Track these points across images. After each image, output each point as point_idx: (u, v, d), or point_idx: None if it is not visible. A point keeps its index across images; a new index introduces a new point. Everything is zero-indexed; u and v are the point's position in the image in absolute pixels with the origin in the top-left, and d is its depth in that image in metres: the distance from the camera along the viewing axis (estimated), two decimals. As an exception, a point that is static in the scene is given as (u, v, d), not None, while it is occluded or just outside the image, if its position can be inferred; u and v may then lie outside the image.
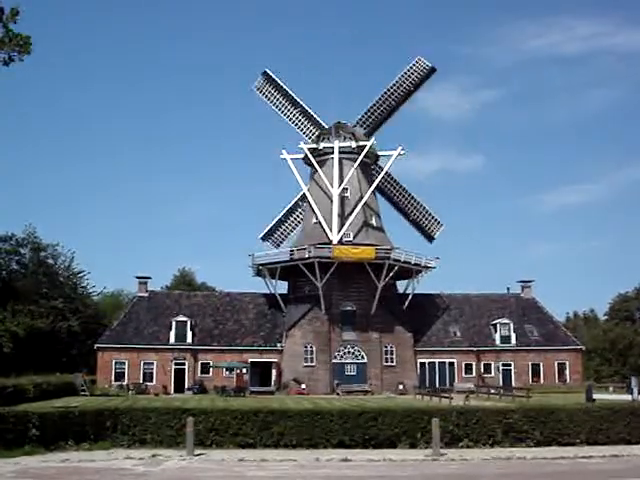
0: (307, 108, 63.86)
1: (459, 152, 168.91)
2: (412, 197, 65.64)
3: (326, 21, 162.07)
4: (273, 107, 64.29)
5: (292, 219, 66.89)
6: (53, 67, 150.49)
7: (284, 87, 64.10)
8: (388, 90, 61.68)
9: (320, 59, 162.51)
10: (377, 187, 64.16)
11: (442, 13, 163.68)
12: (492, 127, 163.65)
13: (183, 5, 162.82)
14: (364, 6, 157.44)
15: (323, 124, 63.47)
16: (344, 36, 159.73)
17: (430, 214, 65.73)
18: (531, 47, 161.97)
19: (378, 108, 62.23)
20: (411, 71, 61.40)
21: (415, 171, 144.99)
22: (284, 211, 66.86)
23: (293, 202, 66.44)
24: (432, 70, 61.48)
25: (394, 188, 65.52)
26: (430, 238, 66.19)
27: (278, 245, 66.54)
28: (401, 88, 61.47)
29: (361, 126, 62.85)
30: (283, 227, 67.11)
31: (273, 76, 64.58)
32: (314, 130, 63.36)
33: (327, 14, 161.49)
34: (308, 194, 62.77)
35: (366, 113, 62.66)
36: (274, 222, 66.96)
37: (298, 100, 63.95)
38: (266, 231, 66.85)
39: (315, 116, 63.78)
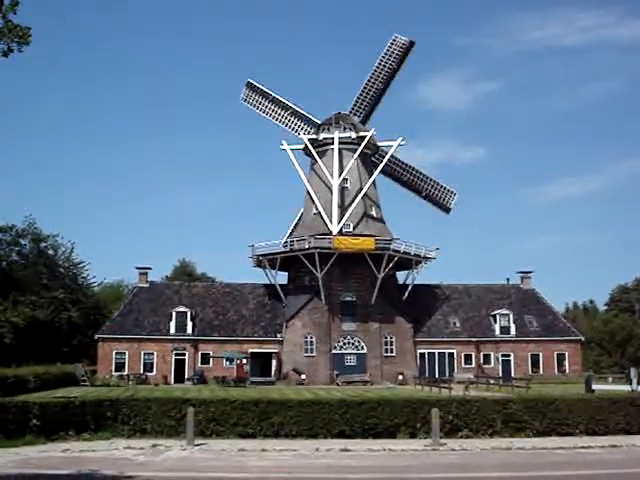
0: (297, 108, 63.97)
1: (460, 144, 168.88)
2: (421, 173, 65.34)
3: (324, 14, 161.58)
4: (263, 115, 64.51)
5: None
6: (52, 57, 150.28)
7: (270, 93, 64.26)
8: (373, 74, 61.57)
9: (314, 52, 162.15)
10: (384, 172, 64.08)
11: (442, 4, 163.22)
12: (493, 119, 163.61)
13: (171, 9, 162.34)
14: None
15: (316, 120, 63.43)
16: (341, 28, 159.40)
17: (442, 186, 65.31)
18: (531, 39, 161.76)
19: (367, 93, 62.08)
20: (391, 50, 61.21)
21: (416, 163, 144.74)
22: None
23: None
24: (411, 44, 61.27)
25: (402, 169, 65.13)
26: (447, 209, 65.73)
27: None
28: (385, 69, 61.29)
29: (354, 114, 62.72)
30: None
31: (257, 84, 64.76)
32: (308, 128, 63.33)
33: (326, 8, 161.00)
34: (308, 185, 62.72)
35: (357, 101, 62.48)
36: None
37: (287, 103, 64.12)
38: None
39: (306, 114, 63.84)
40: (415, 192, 65.61)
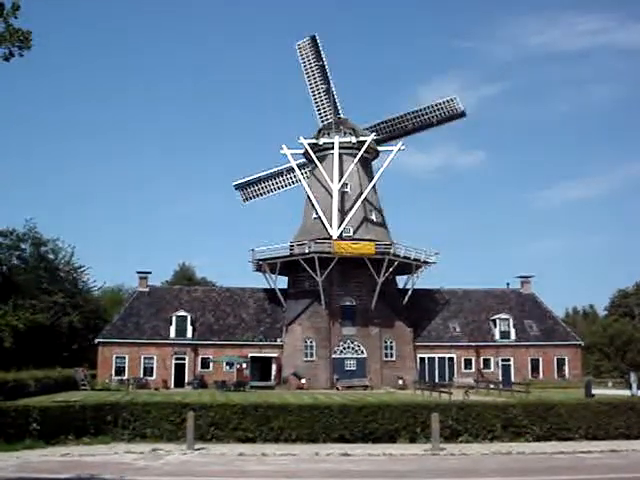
0: (333, 89, 62.85)
1: (460, 148, 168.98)
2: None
3: (324, 13, 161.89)
4: (304, 73, 63.05)
5: (272, 182, 65.76)
6: (54, 63, 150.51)
7: (323, 58, 62.82)
8: (411, 113, 61.97)
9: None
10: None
11: (443, 8, 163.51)
12: (493, 123, 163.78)
13: None
14: (366, 2, 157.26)
15: (340, 111, 62.91)
16: (343, 30, 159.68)
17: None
18: (532, 43, 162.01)
19: (394, 125, 62.43)
20: (440, 106, 61.51)
21: (416, 167, 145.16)
22: (268, 172, 65.76)
23: (279, 169, 65.39)
24: (461, 114, 61.72)
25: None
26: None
27: (247, 199, 66.04)
28: (424, 117, 61.71)
29: (370, 132, 62.63)
30: (260, 186, 65.95)
31: (319, 44, 63.10)
32: (329, 113, 62.48)
33: (326, 7, 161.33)
34: (308, 189, 62.76)
35: (380, 124, 62.68)
36: (253, 177, 65.97)
37: (329, 77, 62.84)
38: (242, 182, 66.01)
39: (336, 100, 62.93)
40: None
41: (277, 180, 65.67)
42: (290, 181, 65.01)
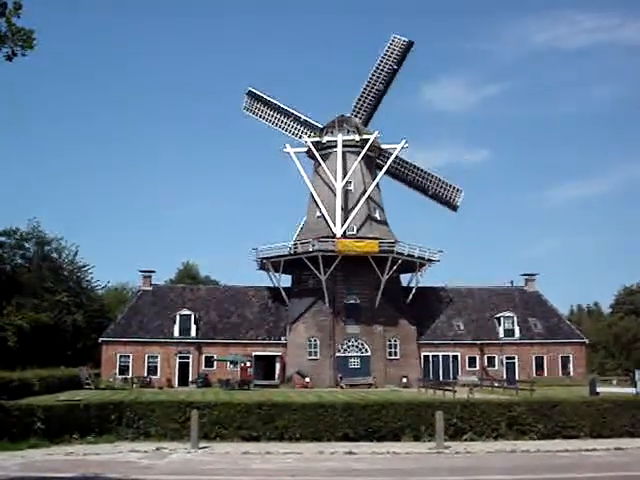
0: (299, 114, 63.90)
1: (464, 146, 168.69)
2: (426, 172, 64.72)
3: (323, 15, 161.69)
4: (266, 123, 64.54)
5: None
6: (57, 61, 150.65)
7: (271, 100, 64.23)
8: (373, 75, 61.40)
9: (319, 55, 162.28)
10: (389, 173, 63.91)
11: (447, 7, 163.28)
12: (497, 121, 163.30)
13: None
14: (368, 2, 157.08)
15: (318, 125, 63.27)
16: (345, 31, 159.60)
17: (447, 183, 64.74)
18: (536, 41, 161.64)
19: (368, 95, 61.89)
20: (390, 51, 61.07)
21: (420, 163, 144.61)
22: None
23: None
24: (409, 44, 61.19)
25: (406, 169, 64.72)
26: (454, 207, 64.99)
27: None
28: (385, 70, 61.09)
29: (356, 116, 62.59)
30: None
31: (258, 92, 64.75)
32: (310, 133, 63.23)
33: (327, 9, 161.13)
34: (311, 188, 62.71)
35: (357, 103, 62.27)
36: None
37: (289, 109, 64.06)
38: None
39: (309, 120, 63.70)
40: (421, 191, 65.26)
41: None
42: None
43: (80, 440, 22.18)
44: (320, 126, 63.27)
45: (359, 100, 62.23)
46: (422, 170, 64.89)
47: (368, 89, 61.76)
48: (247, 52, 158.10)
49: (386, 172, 63.65)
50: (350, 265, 58.40)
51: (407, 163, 64.87)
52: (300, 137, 63.44)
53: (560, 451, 21.01)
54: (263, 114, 64.57)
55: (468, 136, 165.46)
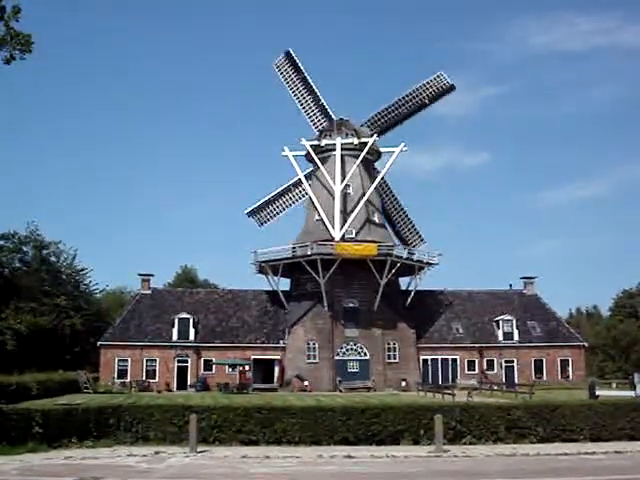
0: (320, 97, 63.42)
1: (464, 149, 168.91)
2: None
3: (329, 17, 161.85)
4: (288, 88, 63.80)
5: (282, 201, 66.18)
6: (56, 65, 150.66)
7: (303, 70, 63.44)
8: (402, 98, 61.95)
9: (321, 55, 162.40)
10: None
11: (446, 9, 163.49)
12: (497, 124, 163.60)
13: None
14: (368, 3, 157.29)
15: (332, 115, 63.12)
16: (346, 33, 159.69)
17: (415, 229, 66.23)
18: (535, 43, 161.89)
19: (389, 113, 62.41)
20: (430, 84, 61.65)
21: (420, 168, 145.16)
22: (275, 192, 66.12)
23: (286, 186, 65.78)
24: (451, 88, 61.93)
25: (386, 195, 65.70)
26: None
27: (262, 224, 66.40)
28: (416, 99, 61.81)
29: (369, 127, 62.73)
30: (271, 207, 66.36)
31: (295, 57, 63.87)
32: (322, 120, 62.97)
33: (331, 10, 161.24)
34: (310, 191, 62.71)
35: (376, 115, 62.66)
36: (263, 201, 66.33)
37: (313, 87, 63.44)
38: (253, 208, 66.35)
39: (326, 106, 63.37)
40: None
41: (286, 197, 66.16)
42: (299, 195, 65.39)
43: (78, 444, 22.10)
44: (334, 117, 63.05)
45: (377, 115, 62.73)
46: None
47: (391, 109, 62.66)
48: (248, 52, 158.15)
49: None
50: (349, 268, 58.38)
51: (390, 192, 65.72)
52: (312, 119, 63.46)
53: (560, 454, 20.97)
54: (289, 79, 64.04)
55: (468, 138, 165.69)
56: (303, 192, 64.78)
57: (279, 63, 64.51)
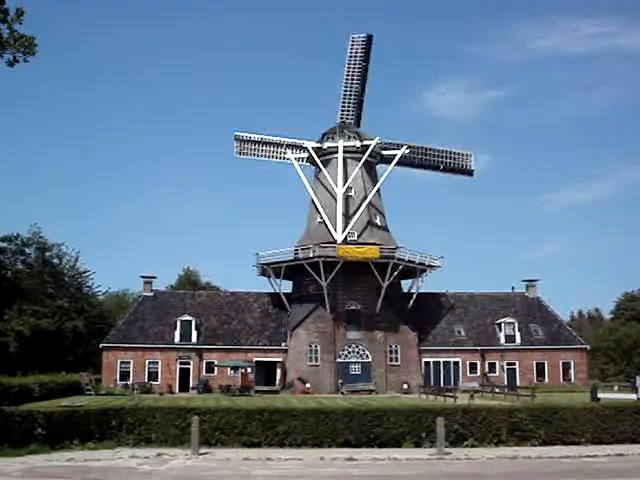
0: (290, 140, 64.45)
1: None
2: (432, 149, 64.18)
3: (328, 21, 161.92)
4: (261, 159, 65.55)
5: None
6: (58, 67, 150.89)
7: (259, 138, 65.03)
8: (347, 77, 61.71)
9: (322, 60, 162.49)
10: (400, 162, 63.46)
11: (448, 13, 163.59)
12: (498, 127, 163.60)
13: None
14: (368, 5, 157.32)
15: (312, 142, 63.39)
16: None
17: (456, 152, 64.40)
18: (537, 46, 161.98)
19: (349, 97, 62.02)
20: (354, 50, 61.57)
21: (421, 171, 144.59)
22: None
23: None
24: (369, 37, 61.68)
25: (413, 153, 64.01)
26: (469, 172, 64.60)
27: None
28: (356, 69, 61.59)
29: (345, 120, 62.39)
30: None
31: (244, 134, 65.56)
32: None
33: (329, 13, 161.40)
34: (312, 193, 62.74)
35: (342, 107, 62.13)
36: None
37: (279, 140, 64.75)
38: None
39: (302, 142, 63.95)
40: (433, 169, 65.00)
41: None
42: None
43: (81, 446, 22.13)
44: (314, 142, 63.32)
45: (343, 104, 62.36)
46: (427, 148, 64.24)
47: (347, 92, 62.12)
48: (249, 53, 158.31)
49: (398, 162, 63.21)
50: (351, 271, 58.37)
51: (414, 147, 64.07)
52: (298, 160, 63.91)
53: (561, 457, 20.97)
54: (256, 152, 65.52)
55: (469, 141, 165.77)
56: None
57: (238, 149, 65.80)
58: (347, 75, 61.73)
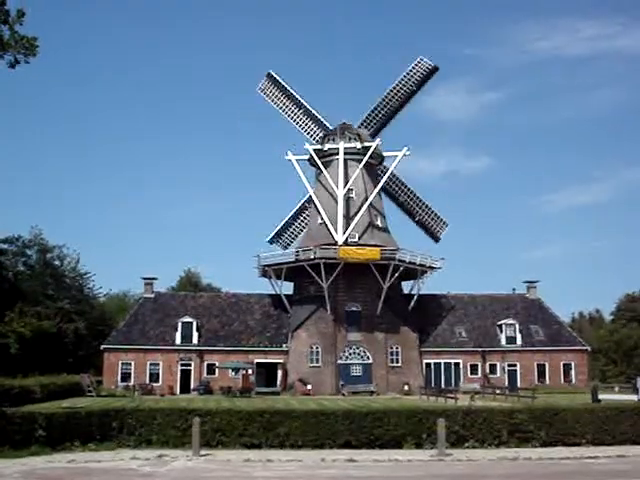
0: (311, 109, 63.93)
1: (465, 153, 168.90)
2: (418, 198, 65.67)
3: (329, 21, 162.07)
4: (277, 109, 64.50)
5: (300, 220, 67.02)
6: (58, 67, 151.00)
7: (288, 88, 64.16)
8: (390, 91, 61.69)
9: (322, 60, 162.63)
10: (382, 188, 64.01)
11: (447, 14, 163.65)
12: (498, 128, 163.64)
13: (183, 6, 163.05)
14: (368, 6, 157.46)
15: (327, 125, 63.43)
16: (347, 37, 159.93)
17: (435, 214, 65.85)
18: (536, 48, 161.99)
19: (381, 110, 62.27)
20: (413, 72, 61.37)
21: (421, 173, 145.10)
22: (291, 213, 67.05)
23: (300, 204, 66.54)
24: (434, 69, 61.49)
25: (399, 189, 65.52)
26: (436, 238, 66.44)
27: (286, 247, 66.72)
28: (403, 89, 61.48)
29: (365, 127, 62.90)
30: (291, 229, 67.38)
31: (277, 77, 64.71)
32: (318, 131, 63.46)
33: (330, 14, 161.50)
34: (313, 195, 62.74)
35: (369, 115, 62.64)
36: (282, 224, 67.21)
37: (302, 101, 64.00)
38: (274, 234, 67.17)
39: (319, 117, 63.84)
40: (408, 215, 66.13)
41: (303, 215, 66.65)
42: (302, 124, 64.56)
43: (81, 447, 22.15)
44: (329, 126, 63.27)
45: (371, 113, 62.51)
46: (414, 195, 65.64)
47: (382, 105, 62.17)
48: (249, 53, 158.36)
49: (382, 188, 63.65)
50: (352, 272, 58.37)
51: (402, 184, 65.50)
52: (307, 132, 63.83)
53: (562, 459, 20.97)
54: (277, 100, 64.55)
55: (469, 143, 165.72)
56: (306, 124, 64.36)
57: (263, 87, 65.23)
58: (392, 90, 61.67)
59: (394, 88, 61.55)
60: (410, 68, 61.42)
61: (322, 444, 22.62)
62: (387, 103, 61.94)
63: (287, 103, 64.21)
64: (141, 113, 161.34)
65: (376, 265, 58.33)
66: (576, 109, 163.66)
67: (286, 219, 67.08)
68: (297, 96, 64.06)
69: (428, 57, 61.52)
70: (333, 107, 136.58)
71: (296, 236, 66.93)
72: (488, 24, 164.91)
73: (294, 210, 66.93)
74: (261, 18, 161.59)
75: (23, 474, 18.04)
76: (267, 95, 64.86)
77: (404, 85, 61.42)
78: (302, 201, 66.26)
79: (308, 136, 63.42)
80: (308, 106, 63.88)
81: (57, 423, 22.29)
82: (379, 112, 62.30)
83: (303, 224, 66.72)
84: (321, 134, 63.13)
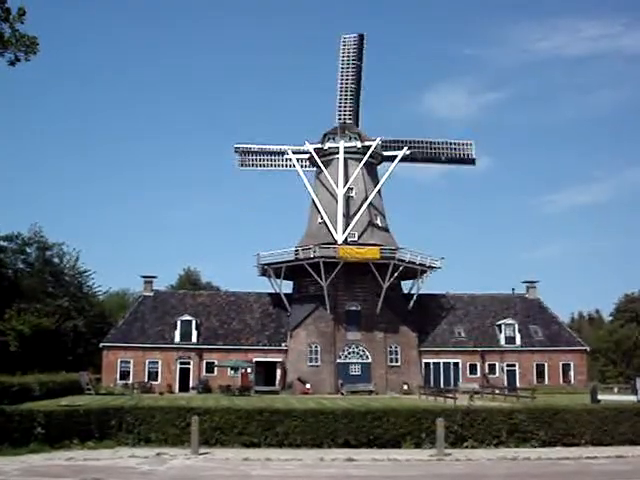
0: (292, 148, 64.11)
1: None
2: (434, 142, 64.32)
3: (329, 21, 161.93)
4: (264, 169, 65.67)
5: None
6: (58, 66, 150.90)
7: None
8: (341, 78, 61.62)
9: (322, 60, 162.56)
10: (402, 159, 63.34)
11: (447, 14, 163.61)
12: (499, 128, 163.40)
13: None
14: (368, 7, 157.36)
15: (312, 150, 62.99)
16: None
17: (457, 143, 64.61)
18: (537, 48, 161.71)
19: (345, 97, 61.86)
20: (346, 51, 61.56)
21: (421, 173, 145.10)
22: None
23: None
24: (360, 37, 61.73)
25: (413, 148, 63.81)
26: (471, 161, 65.21)
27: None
28: (350, 69, 61.57)
29: (345, 121, 62.10)
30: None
31: (244, 146, 65.34)
32: (348, 115, 62.38)
33: (330, 14, 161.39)
34: (313, 194, 62.75)
35: (339, 108, 61.95)
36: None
37: (279, 148, 64.57)
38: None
39: (303, 148, 63.67)
40: (435, 162, 65.88)
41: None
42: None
43: (80, 445, 22.14)
44: (313, 148, 63.06)
45: (339, 105, 62.15)
46: (427, 142, 64.19)
47: (343, 93, 61.91)
48: (249, 53, 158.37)
49: (401, 159, 63.12)
50: (351, 271, 58.38)
51: (414, 142, 63.98)
52: (302, 166, 63.93)
53: (561, 459, 20.97)
54: (258, 162, 65.50)
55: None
56: (291, 164, 64.48)
57: (240, 162, 65.63)
58: (342, 75, 61.66)
59: (342, 73, 61.62)
60: (341, 49, 61.69)
61: (321, 443, 22.62)
62: (345, 89, 61.68)
63: (269, 158, 65.29)
64: (141, 113, 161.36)
65: (376, 264, 58.33)
66: (576, 109, 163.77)
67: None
68: (272, 147, 65.02)
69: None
70: (333, 107, 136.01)
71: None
72: (488, 24, 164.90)
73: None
74: (261, 18, 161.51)
75: (22, 472, 18.03)
76: (248, 166, 65.68)
77: (348, 66, 61.62)
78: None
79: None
80: (288, 147, 64.05)
81: (56, 421, 22.28)
82: (345, 100, 61.72)
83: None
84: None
